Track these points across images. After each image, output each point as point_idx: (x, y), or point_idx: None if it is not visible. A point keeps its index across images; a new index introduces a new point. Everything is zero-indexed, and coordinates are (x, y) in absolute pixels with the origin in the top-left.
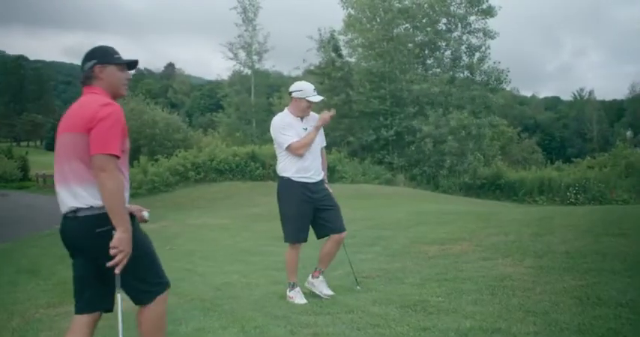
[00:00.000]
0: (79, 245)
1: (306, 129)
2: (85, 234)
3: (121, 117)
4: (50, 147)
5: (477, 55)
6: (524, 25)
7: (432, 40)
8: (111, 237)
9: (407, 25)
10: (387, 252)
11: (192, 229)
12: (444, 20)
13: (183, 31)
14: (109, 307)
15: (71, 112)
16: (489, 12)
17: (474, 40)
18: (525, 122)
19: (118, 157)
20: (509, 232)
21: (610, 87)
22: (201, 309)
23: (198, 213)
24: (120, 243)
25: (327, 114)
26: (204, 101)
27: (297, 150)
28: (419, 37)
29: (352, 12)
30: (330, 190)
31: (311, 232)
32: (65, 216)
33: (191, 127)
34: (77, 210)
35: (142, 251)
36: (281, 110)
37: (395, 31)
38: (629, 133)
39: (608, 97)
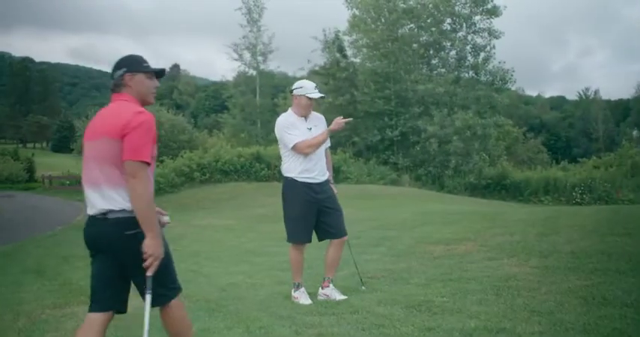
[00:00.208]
0: (105, 246)
1: (310, 129)
2: (114, 235)
3: (152, 125)
4: (56, 148)
5: (482, 54)
6: (530, 24)
7: (436, 40)
8: (138, 240)
9: (412, 25)
10: (392, 252)
11: (198, 230)
12: (449, 20)
13: (187, 32)
14: (122, 308)
15: (103, 118)
16: (494, 12)
17: (478, 40)
18: (531, 122)
19: (148, 164)
20: (515, 232)
21: (616, 87)
22: (206, 310)
23: (204, 214)
24: (149, 248)
25: (341, 120)
26: (209, 102)
27: (303, 150)
28: (424, 37)
29: (357, 12)
30: (336, 191)
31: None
32: (93, 217)
33: (196, 128)
34: (108, 212)
35: (167, 248)
36: (285, 111)
37: (400, 31)
38: (635, 133)
39: (614, 97)
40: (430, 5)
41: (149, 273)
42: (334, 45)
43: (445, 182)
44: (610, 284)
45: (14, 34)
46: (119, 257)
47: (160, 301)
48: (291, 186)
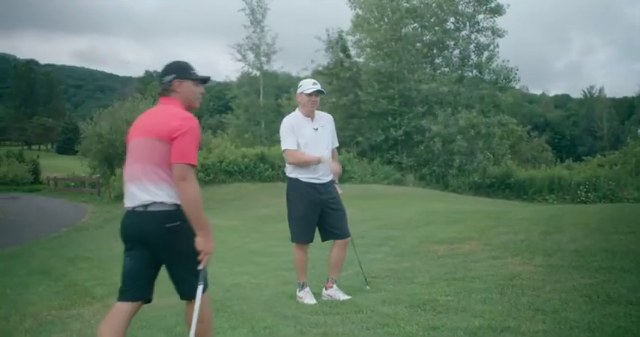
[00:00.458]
0: (144, 237)
1: (316, 129)
2: (154, 227)
3: (199, 131)
4: (61, 150)
5: (486, 53)
6: (533, 23)
7: (440, 40)
8: (177, 233)
9: (415, 24)
10: (396, 251)
11: None
12: (452, 19)
13: (191, 33)
14: (150, 297)
15: (152, 118)
16: (497, 10)
17: (482, 39)
18: (535, 120)
19: (195, 166)
20: (519, 231)
21: (620, 85)
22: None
23: (208, 215)
24: (201, 245)
25: (337, 167)
26: (212, 103)
27: (289, 158)
28: (427, 37)
29: (360, 12)
30: (340, 191)
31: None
32: (133, 210)
33: (200, 129)
34: (149, 204)
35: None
36: (289, 111)
37: (403, 30)
38: None
39: (619, 95)
40: (433, 4)
41: (200, 267)
42: (338, 45)
43: (449, 181)
44: (614, 283)
45: (19, 36)
46: (156, 249)
47: (190, 293)
48: (295, 186)
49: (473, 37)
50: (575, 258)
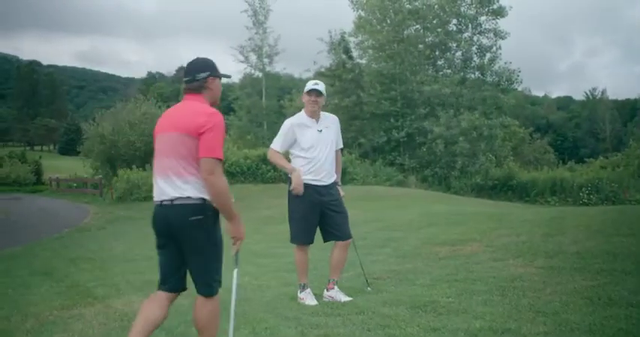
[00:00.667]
0: (170, 230)
1: (320, 130)
2: (179, 219)
3: (223, 125)
4: (63, 151)
5: (488, 55)
6: (536, 24)
7: (442, 41)
8: (200, 227)
9: (417, 26)
10: (397, 253)
11: None
12: (455, 21)
13: (193, 34)
14: (185, 287)
15: (178, 115)
16: (500, 12)
17: (484, 41)
18: (537, 122)
19: (221, 160)
20: (521, 233)
21: (623, 87)
22: None
23: None
24: (233, 232)
25: (299, 188)
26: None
27: (268, 156)
28: (429, 38)
29: (362, 14)
30: (343, 193)
31: (318, 234)
32: (161, 204)
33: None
34: (175, 198)
35: (221, 244)
36: (292, 113)
37: (405, 32)
38: None
39: (621, 96)
40: (436, 6)
41: (233, 252)
42: (340, 46)
43: (451, 183)
44: (616, 285)
45: (22, 37)
46: (181, 241)
47: (205, 289)
48: None
49: (475, 38)
50: (577, 260)
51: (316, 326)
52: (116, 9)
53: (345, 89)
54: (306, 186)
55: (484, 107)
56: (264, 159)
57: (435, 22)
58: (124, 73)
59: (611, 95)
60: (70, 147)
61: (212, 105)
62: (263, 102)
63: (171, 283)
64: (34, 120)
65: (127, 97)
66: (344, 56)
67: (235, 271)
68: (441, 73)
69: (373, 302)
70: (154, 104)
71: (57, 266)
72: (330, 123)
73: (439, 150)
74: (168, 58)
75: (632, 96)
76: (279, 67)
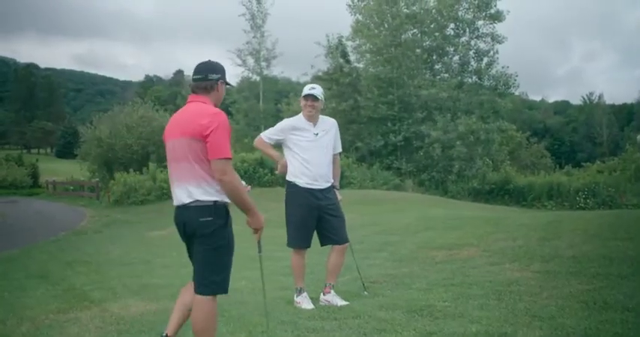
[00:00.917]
0: (187, 229)
1: (317, 134)
2: (192, 220)
3: (227, 123)
4: (60, 154)
5: (485, 59)
6: (533, 29)
7: (439, 46)
8: (210, 227)
9: (415, 30)
10: (394, 257)
11: None
12: (452, 25)
13: (191, 37)
14: None
15: (183, 119)
16: (497, 16)
17: (482, 45)
18: (534, 126)
19: (231, 159)
20: (517, 237)
21: (620, 91)
22: None
23: None
24: (252, 224)
25: (284, 161)
26: None
27: (255, 142)
28: (427, 43)
29: (360, 18)
30: (340, 197)
31: (316, 238)
32: (178, 207)
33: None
34: (190, 202)
35: (227, 248)
36: (289, 116)
37: (403, 36)
38: (639, 137)
39: (618, 101)
40: (433, 10)
41: (257, 239)
42: (337, 50)
43: (448, 187)
44: (612, 289)
45: (19, 40)
46: (195, 239)
47: (202, 288)
48: (293, 191)
49: (472, 43)
50: (573, 264)
51: (312, 330)
52: (114, 12)
53: (343, 93)
54: (303, 189)
55: (481, 111)
56: (262, 163)
57: (432, 26)
58: (121, 76)
59: (608, 100)
60: (67, 150)
61: (215, 107)
62: (260, 106)
63: None
64: (31, 123)
65: (125, 100)
66: (341, 60)
67: (260, 255)
68: (438, 77)
69: (370, 306)
70: (151, 107)
71: (53, 269)
72: (329, 127)
73: (436, 154)
74: (166, 62)
75: (629, 100)
76: (276, 70)
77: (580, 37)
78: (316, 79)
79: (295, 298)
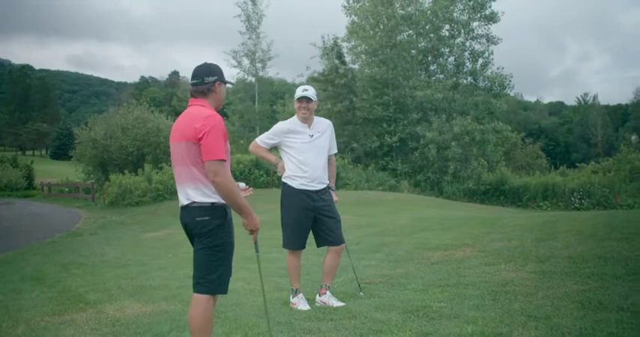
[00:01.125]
0: (188, 229)
1: (312, 135)
2: (190, 219)
3: (221, 125)
4: (55, 155)
5: (480, 60)
6: (528, 30)
7: (435, 47)
8: (206, 227)
9: (410, 31)
10: (390, 258)
11: None
12: (447, 26)
13: (187, 39)
14: None
15: (182, 123)
16: (492, 18)
17: (477, 46)
18: (529, 127)
19: (224, 160)
20: (513, 238)
21: (614, 92)
22: None
23: None
24: (247, 225)
25: (282, 163)
26: None
27: (251, 146)
28: (422, 44)
29: (355, 19)
30: (336, 198)
31: (312, 239)
32: (181, 208)
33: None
34: (189, 203)
35: (224, 247)
36: (285, 118)
37: (398, 37)
38: (633, 138)
39: (613, 102)
40: (428, 12)
41: (253, 240)
42: (333, 51)
43: (444, 188)
44: (607, 289)
45: (14, 41)
46: (195, 237)
47: (200, 287)
48: (288, 193)
49: (467, 44)
50: (568, 265)
51: (308, 331)
52: (109, 14)
53: (338, 94)
54: (298, 191)
55: (476, 112)
56: (257, 164)
57: (427, 27)
58: (116, 78)
59: (603, 100)
60: (62, 151)
61: (216, 109)
62: (256, 107)
63: None
64: (26, 124)
65: (120, 102)
66: (337, 61)
67: (258, 255)
68: (433, 78)
69: (365, 307)
70: (146, 109)
71: (48, 271)
72: (324, 128)
73: (431, 155)
74: (161, 63)
75: (624, 101)
76: (272, 71)
77: (574, 38)
78: (311, 80)
79: (291, 299)
